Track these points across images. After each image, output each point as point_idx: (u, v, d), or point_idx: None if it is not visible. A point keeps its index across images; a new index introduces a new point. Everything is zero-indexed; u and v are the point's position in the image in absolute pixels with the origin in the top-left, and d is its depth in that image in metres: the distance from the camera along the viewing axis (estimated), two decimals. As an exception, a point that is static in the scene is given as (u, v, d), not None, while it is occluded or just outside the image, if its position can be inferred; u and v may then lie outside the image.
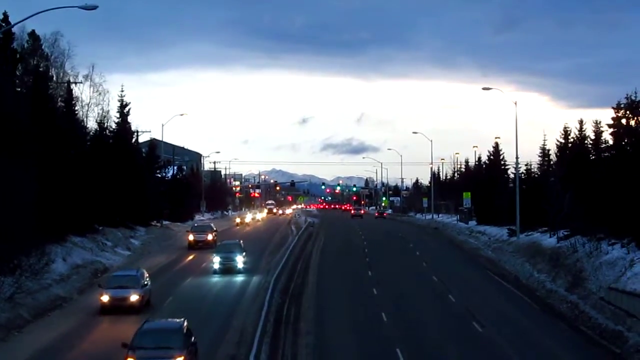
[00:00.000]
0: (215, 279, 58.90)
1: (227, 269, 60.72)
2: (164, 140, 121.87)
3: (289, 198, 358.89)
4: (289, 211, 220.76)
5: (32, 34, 77.26)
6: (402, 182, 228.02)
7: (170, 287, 54.57)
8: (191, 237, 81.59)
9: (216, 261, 61.18)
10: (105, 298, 44.76)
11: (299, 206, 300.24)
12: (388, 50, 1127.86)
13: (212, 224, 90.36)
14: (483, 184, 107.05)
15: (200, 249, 78.36)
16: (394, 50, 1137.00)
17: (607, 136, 66.72)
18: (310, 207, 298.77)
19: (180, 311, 41.39)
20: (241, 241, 66.75)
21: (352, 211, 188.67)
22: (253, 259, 67.84)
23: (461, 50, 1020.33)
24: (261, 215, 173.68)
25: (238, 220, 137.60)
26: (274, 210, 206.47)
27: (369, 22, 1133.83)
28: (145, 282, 46.95)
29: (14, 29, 65.84)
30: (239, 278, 58.72)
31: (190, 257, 73.91)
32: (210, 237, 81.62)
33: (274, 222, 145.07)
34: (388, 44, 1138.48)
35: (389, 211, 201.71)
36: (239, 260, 61.40)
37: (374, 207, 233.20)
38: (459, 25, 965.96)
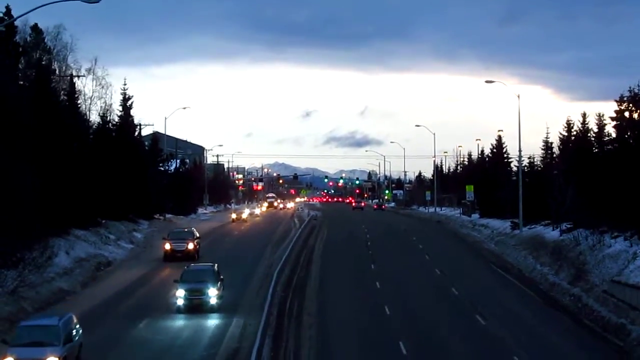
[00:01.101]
0: (179, 322, 42.00)
1: (196, 306, 43.76)
2: (167, 133, 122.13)
3: (292, 191, 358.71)
4: (290, 205, 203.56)
5: (35, 27, 77.20)
6: (405, 175, 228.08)
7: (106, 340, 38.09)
8: (168, 246, 65.91)
9: (180, 295, 43.83)
10: None
11: (302, 199, 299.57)
12: (391, 44, 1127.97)
13: (193, 229, 72.04)
14: (486, 177, 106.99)
15: (179, 260, 62.30)
16: (397, 43, 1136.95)
17: (610, 129, 66.67)
18: (313, 200, 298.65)
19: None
20: (216, 265, 47.87)
21: (353, 204, 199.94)
22: (242, 277, 54.83)
23: (464, 43, 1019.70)
24: (260, 210, 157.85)
25: (234, 216, 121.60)
26: (275, 204, 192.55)
27: (372, 16, 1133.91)
28: (72, 334, 32.74)
29: (16, 22, 65.77)
30: (212, 322, 41.98)
31: (162, 276, 57.95)
32: (191, 245, 65.82)
33: (274, 217, 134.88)
34: (391, 37, 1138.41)
35: (392, 204, 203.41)
36: (212, 294, 43.88)
37: (377, 200, 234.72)
38: (462, 18, 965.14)
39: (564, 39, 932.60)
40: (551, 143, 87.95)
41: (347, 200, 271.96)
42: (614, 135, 63.97)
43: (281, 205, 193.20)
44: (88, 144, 77.06)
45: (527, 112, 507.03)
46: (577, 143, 76.99)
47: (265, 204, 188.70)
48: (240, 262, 63.97)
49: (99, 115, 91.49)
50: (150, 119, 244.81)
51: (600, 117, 70.60)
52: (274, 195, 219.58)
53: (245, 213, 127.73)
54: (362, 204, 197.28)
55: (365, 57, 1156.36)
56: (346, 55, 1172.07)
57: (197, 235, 69.55)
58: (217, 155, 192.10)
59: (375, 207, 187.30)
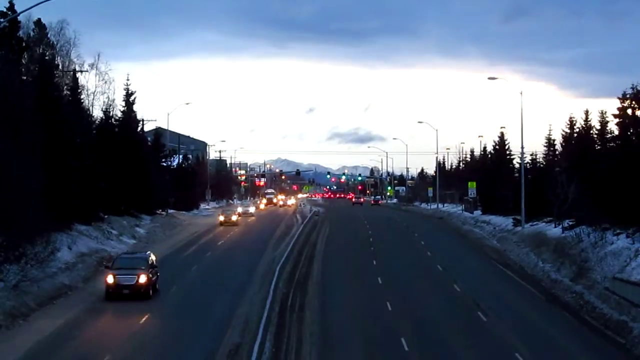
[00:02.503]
0: None
1: None
2: (170, 129, 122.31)
3: (295, 187, 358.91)
4: (291, 202, 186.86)
5: (38, 23, 77.36)
6: (408, 171, 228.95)
7: None
8: (110, 279, 45.41)
9: None
10: None
11: (304, 195, 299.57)
12: (395, 40, 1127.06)
13: (149, 254, 49.68)
14: (488, 173, 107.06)
15: (126, 299, 44.95)
16: (401, 39, 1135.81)
17: (612, 126, 66.74)
18: (315, 196, 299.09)
19: None
20: None
21: (353, 199, 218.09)
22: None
23: (468, 39, 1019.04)
24: (254, 208, 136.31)
25: (221, 218, 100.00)
26: (274, 200, 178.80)
27: (376, 11, 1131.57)
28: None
29: (19, 18, 65.87)
30: None
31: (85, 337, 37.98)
32: (142, 278, 45.46)
33: (272, 217, 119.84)
34: (395, 33, 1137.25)
35: (394, 201, 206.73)
36: None
37: (374, 197, 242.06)
38: (466, 14, 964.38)
39: (569, 35, 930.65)
40: (554, 140, 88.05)
41: (349, 197, 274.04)
42: (616, 132, 64.02)
43: (281, 202, 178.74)
44: (91, 139, 77.08)
45: (530, 109, 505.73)
46: (580, 140, 77.05)
47: (264, 200, 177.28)
48: (204, 314, 43.45)
49: (102, 110, 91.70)
50: (153, 114, 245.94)
51: (602, 114, 70.70)
52: (273, 191, 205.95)
53: (236, 214, 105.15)
54: (362, 200, 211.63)
55: (369, 53, 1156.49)
56: (350, 51, 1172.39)
57: (154, 260, 49.11)
58: (220, 151, 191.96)
59: (372, 202, 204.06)
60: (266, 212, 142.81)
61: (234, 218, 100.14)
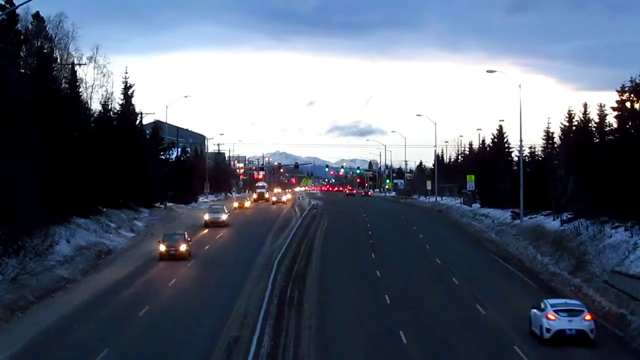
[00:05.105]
0: None
1: None
2: (169, 122, 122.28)
3: (293, 180, 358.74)
4: (287, 197, 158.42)
5: (37, 16, 77.28)
6: (406, 164, 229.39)
7: None
8: None
9: None
10: None
11: (302, 189, 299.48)
12: (395, 33, 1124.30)
13: None
14: (487, 166, 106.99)
15: None
16: (401, 32, 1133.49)
17: (611, 119, 66.69)
18: (313, 190, 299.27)
19: None
20: None
21: (347, 191, 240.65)
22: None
23: (468, 32, 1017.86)
24: (226, 215, 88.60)
25: (162, 247, 59.43)
26: (266, 196, 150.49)
27: (377, 4, 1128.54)
28: None
29: (18, 11, 65.76)
30: None
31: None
32: None
33: (260, 225, 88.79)
34: (395, 26, 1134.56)
35: (393, 194, 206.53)
36: None
37: (378, 190, 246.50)
38: (467, 7, 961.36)
39: (569, 28, 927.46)
40: (552, 133, 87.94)
41: (346, 190, 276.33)
42: (615, 125, 63.97)
43: (274, 198, 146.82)
44: (89, 133, 77.05)
45: (530, 102, 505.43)
46: (578, 133, 76.98)
47: (254, 196, 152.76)
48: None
49: (100, 103, 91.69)
50: (151, 107, 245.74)
51: (601, 107, 70.66)
52: (265, 184, 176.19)
53: (186, 242, 61.09)
54: (355, 191, 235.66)
55: (369, 46, 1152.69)
56: (350, 44, 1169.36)
57: None
58: (219, 144, 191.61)
59: (363, 194, 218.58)
60: (254, 210, 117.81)
61: (183, 248, 60.08)
